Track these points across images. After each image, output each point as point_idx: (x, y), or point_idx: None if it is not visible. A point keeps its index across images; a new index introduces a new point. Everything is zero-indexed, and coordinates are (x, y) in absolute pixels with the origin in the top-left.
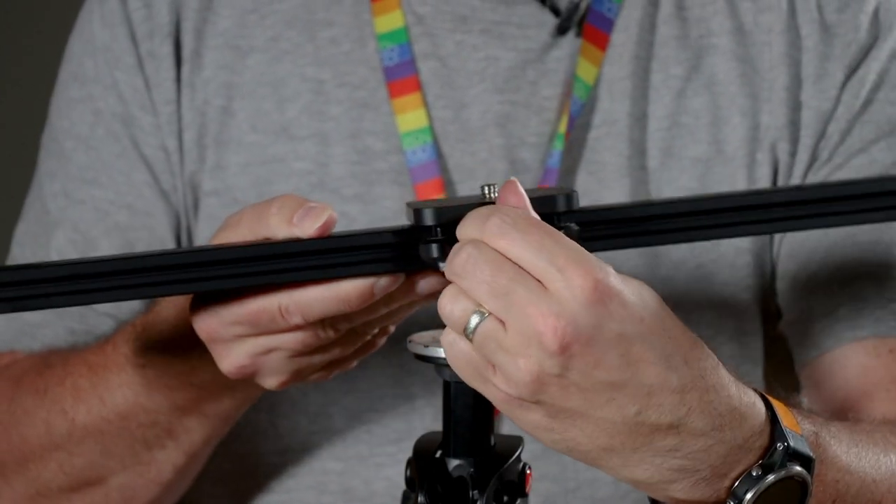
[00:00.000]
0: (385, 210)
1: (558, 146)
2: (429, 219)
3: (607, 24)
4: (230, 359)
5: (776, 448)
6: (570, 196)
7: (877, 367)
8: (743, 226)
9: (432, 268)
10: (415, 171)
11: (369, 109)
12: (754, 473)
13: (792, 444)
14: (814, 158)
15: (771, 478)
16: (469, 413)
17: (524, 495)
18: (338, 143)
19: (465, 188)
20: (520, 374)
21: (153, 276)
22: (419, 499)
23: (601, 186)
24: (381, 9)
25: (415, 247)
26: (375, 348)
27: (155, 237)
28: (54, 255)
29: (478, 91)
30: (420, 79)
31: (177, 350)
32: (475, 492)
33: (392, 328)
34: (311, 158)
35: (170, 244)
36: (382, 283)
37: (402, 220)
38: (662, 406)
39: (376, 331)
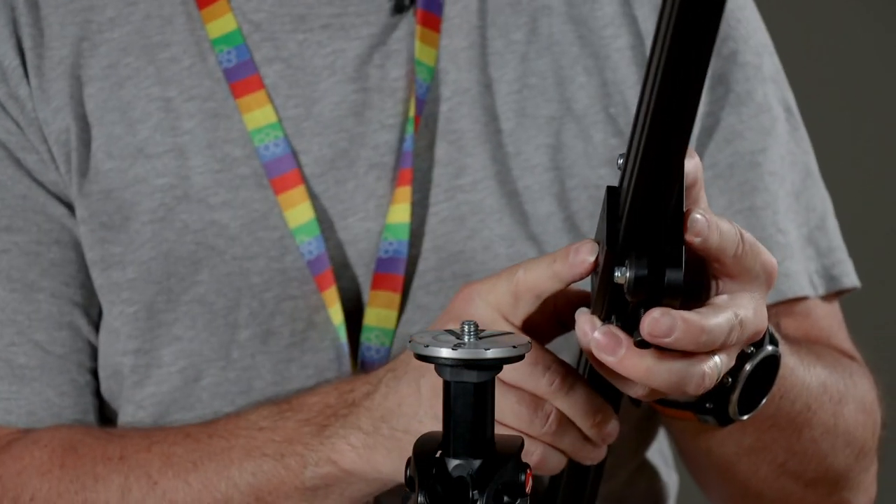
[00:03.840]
0: (255, 213)
1: (410, 130)
2: None
3: (436, 7)
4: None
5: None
6: None
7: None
8: None
9: None
10: (269, 166)
11: (222, 119)
12: (748, 351)
13: (771, 330)
14: None
15: (762, 354)
16: (469, 413)
17: (524, 495)
18: (196, 154)
19: (330, 179)
20: None
21: None
22: (419, 499)
23: (462, 154)
24: (211, 14)
25: None
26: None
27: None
28: None
29: (328, 84)
30: (265, 80)
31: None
32: (475, 492)
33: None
34: (171, 173)
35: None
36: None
37: (272, 220)
38: None
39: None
